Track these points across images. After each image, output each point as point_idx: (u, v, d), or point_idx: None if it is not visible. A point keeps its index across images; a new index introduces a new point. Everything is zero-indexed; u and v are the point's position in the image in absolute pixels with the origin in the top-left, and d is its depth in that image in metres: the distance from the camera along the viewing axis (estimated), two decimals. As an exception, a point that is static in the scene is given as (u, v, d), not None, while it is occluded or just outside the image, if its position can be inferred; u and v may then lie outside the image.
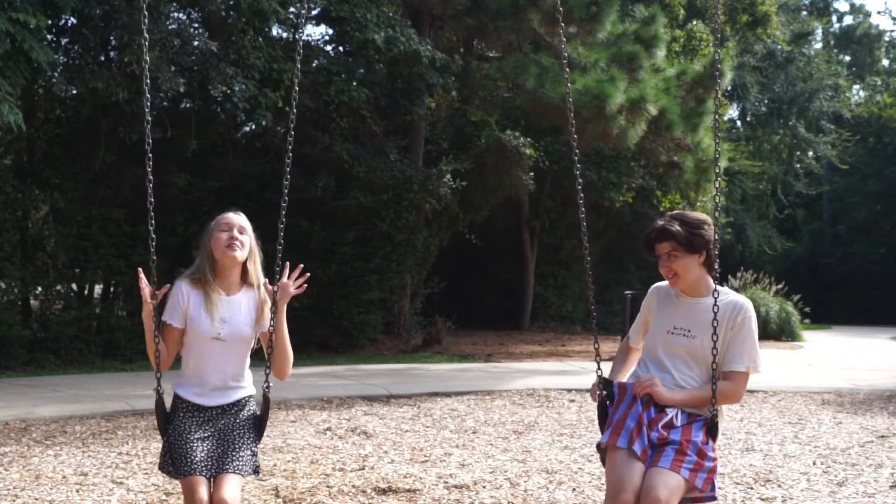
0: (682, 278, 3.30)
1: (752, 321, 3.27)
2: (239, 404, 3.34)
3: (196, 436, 3.22)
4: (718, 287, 3.27)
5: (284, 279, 3.31)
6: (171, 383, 3.39)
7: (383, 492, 4.94)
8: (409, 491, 4.96)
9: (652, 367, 3.33)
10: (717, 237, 3.33)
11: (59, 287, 12.24)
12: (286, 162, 3.44)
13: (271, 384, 3.32)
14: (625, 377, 3.46)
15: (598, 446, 3.35)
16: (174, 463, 3.16)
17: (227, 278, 3.34)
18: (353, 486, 5.03)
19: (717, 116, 3.68)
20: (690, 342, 3.26)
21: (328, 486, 5.04)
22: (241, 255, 3.31)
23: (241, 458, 3.20)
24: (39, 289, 12.12)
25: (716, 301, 3.20)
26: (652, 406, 3.20)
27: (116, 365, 11.46)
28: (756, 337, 3.28)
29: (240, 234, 3.32)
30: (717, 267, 3.31)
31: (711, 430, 3.22)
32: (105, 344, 12.06)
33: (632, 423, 3.17)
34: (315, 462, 5.73)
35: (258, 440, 3.33)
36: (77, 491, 4.90)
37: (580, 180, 3.58)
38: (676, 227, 3.27)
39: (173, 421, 3.28)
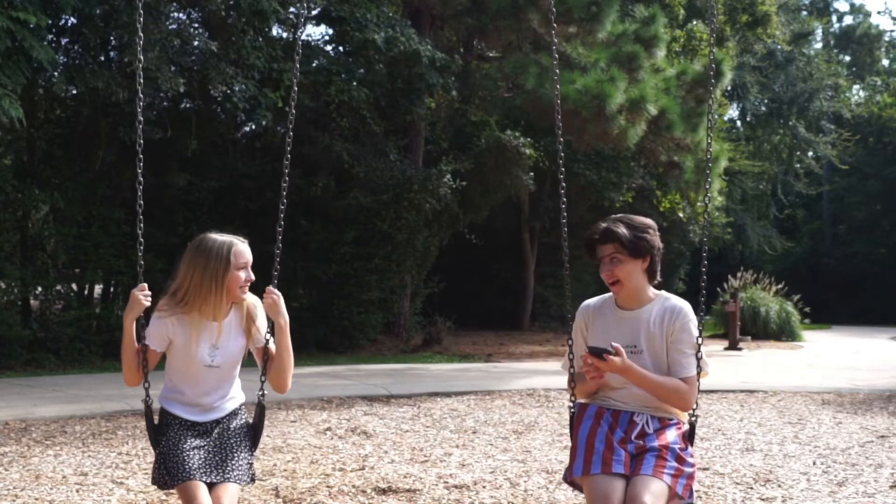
0: (624, 285, 3.13)
1: (691, 324, 3.11)
2: (232, 415, 3.26)
3: (191, 444, 3.11)
4: (660, 292, 3.18)
5: (270, 297, 3.12)
6: (158, 396, 3.27)
7: (383, 492, 4.94)
8: (409, 491, 4.96)
9: (602, 391, 3.21)
10: (661, 247, 3.18)
11: (59, 287, 12.24)
12: (285, 164, 3.32)
13: (265, 392, 3.24)
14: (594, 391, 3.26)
15: (571, 481, 3.16)
16: (169, 472, 3.03)
17: (222, 309, 3.14)
18: (353, 486, 5.03)
19: (710, 120, 3.62)
20: (638, 358, 3.08)
21: (328, 486, 5.04)
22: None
23: (239, 468, 3.11)
24: (39, 289, 12.12)
25: (673, 312, 3.10)
26: (618, 427, 3.10)
27: (116, 365, 11.44)
28: (696, 339, 3.12)
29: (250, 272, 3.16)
30: (659, 276, 3.18)
31: (689, 435, 3.16)
32: (105, 344, 12.06)
33: (601, 446, 3.04)
34: (315, 462, 5.73)
35: (254, 448, 3.25)
36: (77, 491, 4.90)
37: (562, 171, 3.49)
38: (622, 230, 3.11)
39: (166, 433, 3.16)
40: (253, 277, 3.14)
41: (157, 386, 3.24)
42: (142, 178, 3.24)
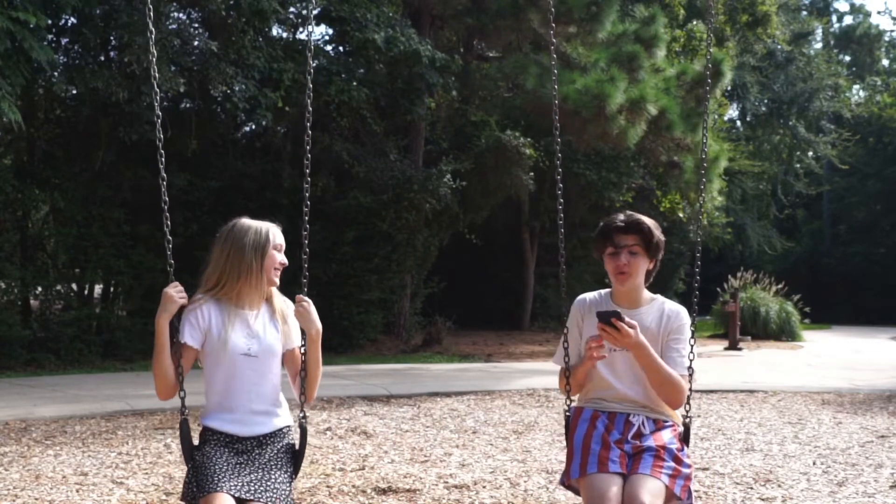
0: (631, 278, 3.11)
1: (687, 327, 3.15)
2: (276, 435, 3.07)
3: (226, 459, 2.94)
4: (655, 296, 3.20)
5: (301, 305, 3.04)
6: (199, 417, 3.08)
7: (383, 492, 4.94)
8: (409, 491, 4.96)
9: (592, 391, 3.21)
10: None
11: (59, 287, 12.24)
12: (306, 169, 3.25)
13: (307, 413, 3.14)
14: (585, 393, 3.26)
15: (569, 485, 3.16)
16: (199, 484, 2.84)
17: (258, 295, 3.06)
18: (353, 486, 5.03)
19: (704, 121, 3.64)
20: (631, 356, 3.06)
21: (328, 486, 5.04)
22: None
23: (274, 490, 2.91)
24: (39, 289, 12.12)
25: (664, 314, 3.13)
26: (615, 429, 3.09)
27: (116, 365, 11.46)
28: (689, 343, 3.15)
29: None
30: (651, 278, 3.20)
31: (685, 436, 3.17)
32: (105, 344, 12.06)
33: (597, 447, 3.04)
34: (315, 462, 5.73)
35: (295, 475, 3.07)
36: (77, 491, 4.90)
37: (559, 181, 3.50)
38: (647, 224, 3.11)
39: (202, 449, 2.98)
40: (286, 261, 3.08)
41: (191, 393, 3.06)
42: (165, 174, 3.16)
